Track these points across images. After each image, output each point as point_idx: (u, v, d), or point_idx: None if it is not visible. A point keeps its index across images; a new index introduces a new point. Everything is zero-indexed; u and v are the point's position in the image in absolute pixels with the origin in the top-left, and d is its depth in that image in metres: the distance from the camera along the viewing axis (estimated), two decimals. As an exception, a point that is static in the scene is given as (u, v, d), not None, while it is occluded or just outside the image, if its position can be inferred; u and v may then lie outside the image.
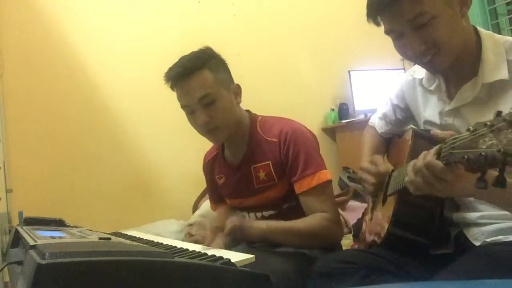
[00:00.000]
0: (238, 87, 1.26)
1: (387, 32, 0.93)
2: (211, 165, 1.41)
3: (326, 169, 1.20)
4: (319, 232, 1.12)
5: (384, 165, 1.12)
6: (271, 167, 1.22)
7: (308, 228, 1.13)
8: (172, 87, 1.21)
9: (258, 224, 1.17)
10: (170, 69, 1.20)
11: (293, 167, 1.18)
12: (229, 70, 1.26)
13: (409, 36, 0.88)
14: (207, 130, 1.19)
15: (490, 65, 0.89)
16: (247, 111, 1.32)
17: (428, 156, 0.74)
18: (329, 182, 1.19)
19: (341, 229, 1.23)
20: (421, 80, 1.06)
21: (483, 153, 0.56)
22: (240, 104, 1.28)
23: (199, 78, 1.15)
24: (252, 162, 1.25)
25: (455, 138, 0.65)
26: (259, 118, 1.30)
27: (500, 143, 0.54)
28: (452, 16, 0.87)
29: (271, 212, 1.25)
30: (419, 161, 0.76)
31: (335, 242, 1.23)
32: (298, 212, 1.18)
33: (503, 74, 0.86)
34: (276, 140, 1.22)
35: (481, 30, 0.94)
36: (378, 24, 0.93)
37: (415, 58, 0.92)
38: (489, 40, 0.91)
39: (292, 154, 1.18)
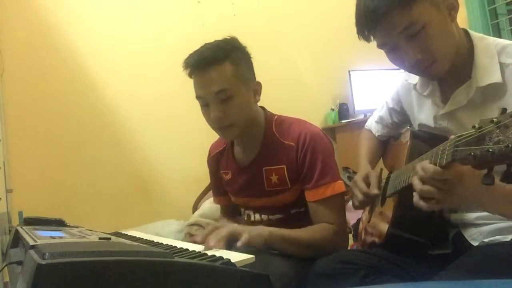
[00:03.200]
0: (259, 85, 1.21)
1: (380, 46, 0.92)
2: (217, 159, 1.35)
3: (341, 179, 1.15)
4: (321, 243, 1.09)
5: (377, 187, 1.11)
6: (285, 172, 1.16)
7: (309, 240, 1.08)
8: (189, 75, 1.15)
9: (260, 230, 1.07)
10: (190, 55, 1.13)
11: (308, 174, 1.13)
12: (252, 65, 1.20)
13: (404, 47, 0.87)
14: (219, 126, 1.14)
15: (483, 69, 0.88)
16: (262, 108, 1.26)
17: (427, 166, 0.73)
18: (343, 193, 1.15)
19: (345, 241, 1.19)
20: (415, 85, 1.06)
21: (490, 149, 0.56)
22: None
23: (219, 71, 1.09)
24: (264, 164, 1.19)
25: (459, 136, 0.65)
26: (275, 117, 1.24)
27: (508, 139, 0.55)
28: (443, 22, 0.86)
29: (278, 216, 1.22)
30: (418, 185, 0.75)
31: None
32: (305, 218, 1.15)
33: (496, 77, 0.86)
34: (294, 144, 1.16)
35: (472, 33, 0.94)
36: (369, 41, 0.92)
37: (412, 67, 0.91)
38: (480, 43, 0.91)
39: (309, 161, 1.13)
